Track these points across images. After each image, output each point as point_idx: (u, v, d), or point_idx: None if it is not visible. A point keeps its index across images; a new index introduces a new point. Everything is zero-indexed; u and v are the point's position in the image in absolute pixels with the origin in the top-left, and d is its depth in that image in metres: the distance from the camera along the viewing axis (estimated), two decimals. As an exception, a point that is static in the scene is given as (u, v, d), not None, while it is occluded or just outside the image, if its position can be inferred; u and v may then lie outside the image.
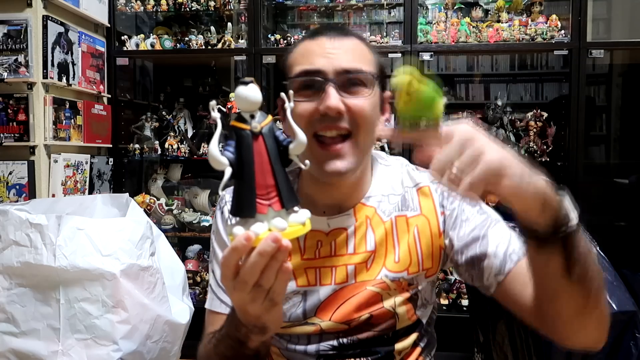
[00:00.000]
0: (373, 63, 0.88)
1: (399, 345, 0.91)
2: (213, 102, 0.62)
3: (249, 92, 0.60)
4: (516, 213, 0.64)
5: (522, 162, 0.61)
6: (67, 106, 2.30)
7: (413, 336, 0.92)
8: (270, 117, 0.62)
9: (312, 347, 0.90)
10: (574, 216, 0.64)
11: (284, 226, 0.59)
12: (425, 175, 0.97)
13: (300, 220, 0.62)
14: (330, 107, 0.80)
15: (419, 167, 1.01)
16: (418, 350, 0.93)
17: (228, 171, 0.59)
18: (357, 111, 0.83)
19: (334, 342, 0.90)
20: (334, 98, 0.81)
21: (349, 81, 0.83)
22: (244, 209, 0.60)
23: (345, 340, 0.90)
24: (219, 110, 0.62)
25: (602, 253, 1.50)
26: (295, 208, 0.62)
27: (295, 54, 0.89)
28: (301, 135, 0.62)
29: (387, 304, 0.89)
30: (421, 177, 0.96)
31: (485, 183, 0.59)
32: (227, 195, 0.98)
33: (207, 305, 0.97)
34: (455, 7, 2.68)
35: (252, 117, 0.61)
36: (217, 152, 0.59)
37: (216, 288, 0.96)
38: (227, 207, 0.95)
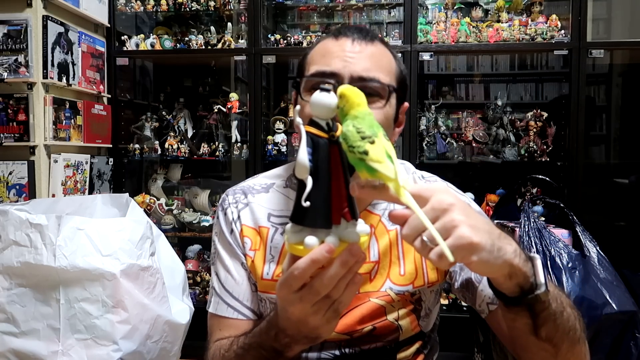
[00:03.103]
0: (394, 72, 0.85)
1: (401, 355, 0.90)
2: (298, 120, 0.59)
3: (329, 100, 0.58)
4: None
5: (492, 231, 0.60)
6: (67, 106, 2.30)
7: (416, 345, 0.91)
8: (340, 126, 0.60)
9: (313, 355, 0.88)
10: (541, 282, 0.65)
11: (358, 238, 0.59)
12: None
13: (365, 230, 0.61)
14: None
15: (425, 175, 0.99)
16: (421, 357, 0.92)
17: (310, 180, 0.57)
18: None
19: (336, 352, 0.88)
20: None
21: (363, 89, 0.81)
22: (320, 220, 0.58)
23: (347, 350, 0.88)
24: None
25: (602, 253, 1.51)
26: None
27: (315, 52, 0.87)
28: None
29: (391, 316, 0.87)
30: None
31: (455, 257, 0.56)
32: (229, 197, 0.96)
33: (211, 309, 0.93)
34: (455, 7, 2.68)
35: (328, 124, 0.59)
36: (307, 161, 0.57)
37: (221, 291, 0.93)
38: (231, 209, 0.94)
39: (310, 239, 0.57)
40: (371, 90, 0.81)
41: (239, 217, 0.93)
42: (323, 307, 0.61)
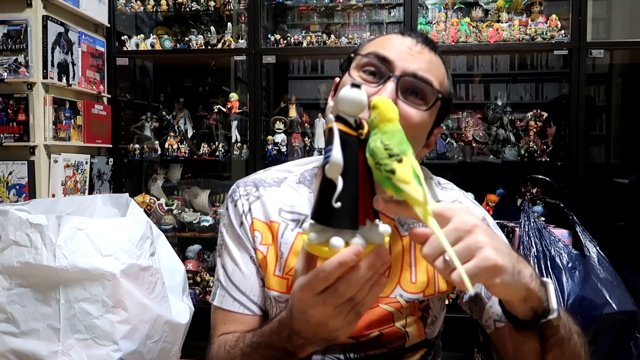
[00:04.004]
0: (443, 88, 0.84)
1: None
2: (331, 116, 0.57)
3: (360, 96, 0.56)
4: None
5: (512, 254, 0.60)
6: (67, 106, 2.30)
7: (420, 352, 0.90)
8: (366, 123, 0.58)
9: (317, 357, 0.87)
10: (554, 308, 0.65)
11: (383, 239, 0.57)
12: (449, 194, 0.93)
13: (387, 230, 0.58)
14: None
15: (441, 182, 0.97)
16: None
17: (341, 180, 0.54)
18: (404, 119, 0.75)
19: (340, 355, 0.87)
20: (389, 94, 0.76)
21: (411, 87, 0.79)
22: (346, 220, 0.56)
23: (351, 354, 0.87)
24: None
25: (602, 253, 1.51)
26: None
27: (377, 39, 0.86)
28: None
29: (399, 323, 0.86)
30: (445, 196, 0.92)
31: (476, 278, 0.56)
32: (240, 188, 0.93)
33: (216, 302, 0.90)
34: (455, 7, 2.68)
35: (356, 122, 0.57)
36: (341, 160, 0.54)
37: (227, 284, 0.90)
38: (242, 201, 0.91)
39: (337, 240, 0.55)
40: (419, 91, 0.80)
41: (249, 209, 0.90)
42: (345, 310, 0.59)
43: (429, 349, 0.92)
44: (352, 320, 0.61)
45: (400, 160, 0.56)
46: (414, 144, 0.80)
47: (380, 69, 0.80)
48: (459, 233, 0.56)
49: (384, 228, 0.58)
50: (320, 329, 0.62)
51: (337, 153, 0.53)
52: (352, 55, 0.84)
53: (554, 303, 0.65)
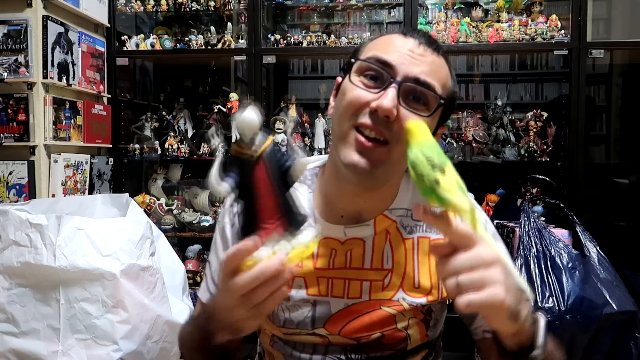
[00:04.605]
0: (446, 90, 0.82)
1: None
2: (212, 130, 0.62)
3: (248, 116, 0.59)
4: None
5: (517, 295, 0.61)
6: (67, 106, 2.30)
7: (422, 353, 0.90)
8: (270, 139, 0.62)
9: (317, 357, 0.87)
10: (540, 345, 0.66)
11: (286, 251, 0.60)
12: None
13: (304, 240, 0.62)
14: (382, 108, 0.74)
15: None
16: None
17: (231, 198, 0.60)
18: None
19: (342, 356, 0.87)
20: (390, 100, 0.75)
21: (413, 92, 0.78)
22: (249, 234, 0.61)
23: (352, 355, 0.87)
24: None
25: (602, 253, 1.51)
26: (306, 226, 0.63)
27: (377, 41, 0.84)
28: (302, 156, 0.62)
29: (401, 325, 0.86)
30: None
31: (479, 308, 0.58)
32: None
33: (199, 294, 0.97)
34: (455, 7, 2.68)
35: (252, 140, 0.61)
36: (215, 181, 0.60)
37: (209, 281, 0.95)
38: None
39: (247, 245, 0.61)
40: (421, 96, 0.78)
41: None
42: (245, 305, 0.62)
43: (430, 350, 0.92)
44: (252, 316, 0.63)
45: (443, 171, 0.57)
46: None
47: (382, 74, 0.78)
48: (479, 262, 0.58)
49: (303, 238, 0.62)
50: (226, 315, 0.65)
51: (212, 175, 0.60)
52: (353, 60, 0.83)
53: (540, 340, 0.66)
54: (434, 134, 0.85)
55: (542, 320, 0.68)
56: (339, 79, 0.86)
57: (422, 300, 0.85)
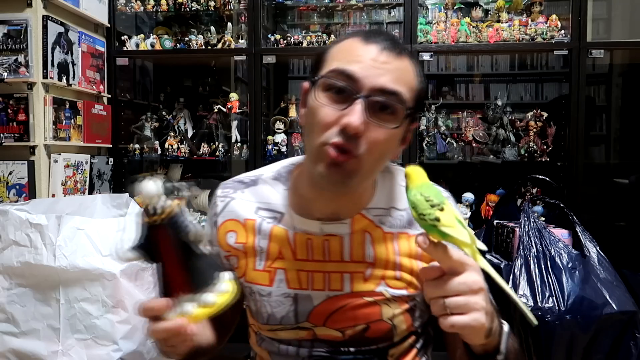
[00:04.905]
0: (414, 90, 0.81)
1: (393, 350, 0.90)
2: (185, 185, 0.70)
3: (146, 187, 0.65)
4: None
5: (492, 315, 0.68)
6: (67, 106, 2.30)
7: (409, 340, 0.91)
8: (174, 204, 0.66)
9: (304, 351, 0.89)
10: (502, 351, 0.72)
11: (189, 312, 0.67)
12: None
13: (210, 301, 0.68)
14: (350, 126, 0.75)
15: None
16: (414, 352, 0.92)
17: (134, 259, 0.68)
18: (375, 143, 0.77)
19: (329, 348, 0.88)
20: (357, 117, 0.75)
21: (380, 103, 0.77)
22: (162, 295, 0.69)
23: (341, 349, 0.88)
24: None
25: (602, 253, 1.51)
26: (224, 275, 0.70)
27: (339, 49, 0.82)
28: (198, 227, 0.68)
29: (386, 316, 0.87)
30: None
31: (460, 329, 0.65)
32: (219, 190, 0.96)
33: None
34: (455, 7, 2.68)
35: (154, 208, 0.65)
36: (120, 251, 0.68)
37: None
38: (218, 202, 0.95)
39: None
40: (388, 105, 0.78)
41: (223, 210, 0.94)
42: (161, 344, 0.74)
43: (417, 337, 0.92)
44: (172, 352, 0.75)
45: (442, 209, 0.64)
46: (387, 155, 0.83)
47: (346, 89, 0.77)
48: (466, 288, 0.64)
49: (209, 298, 0.68)
50: (160, 342, 0.74)
51: (121, 248, 0.68)
52: (316, 77, 0.81)
53: (503, 346, 0.72)
54: (406, 133, 0.85)
55: (505, 327, 0.73)
56: (306, 85, 0.85)
57: (404, 292, 0.87)
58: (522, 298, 1.35)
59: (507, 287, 0.64)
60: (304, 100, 0.86)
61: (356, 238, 0.87)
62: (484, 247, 0.64)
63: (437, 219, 0.63)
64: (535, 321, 0.64)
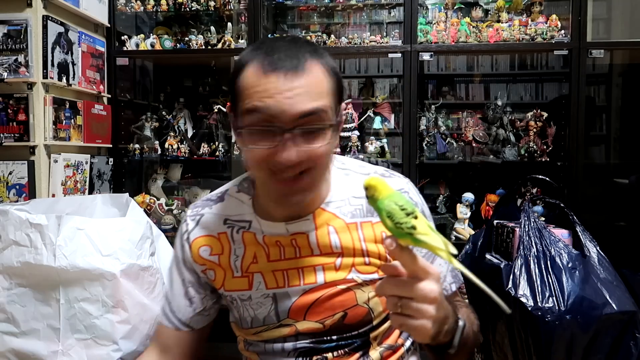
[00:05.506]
0: (332, 88, 0.81)
1: (374, 333, 0.93)
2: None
3: None
4: None
5: (443, 318, 0.70)
6: (67, 106, 2.30)
7: (389, 321, 0.94)
8: None
9: (288, 345, 0.93)
10: (455, 345, 0.76)
11: None
12: (394, 180, 0.97)
13: None
14: (286, 163, 0.77)
15: (387, 172, 0.99)
16: (396, 332, 0.96)
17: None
18: (315, 159, 0.80)
19: (312, 339, 0.92)
20: (290, 153, 0.77)
21: (307, 129, 0.78)
22: None
23: (324, 338, 0.92)
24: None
25: (602, 253, 1.51)
26: None
27: (247, 85, 0.79)
28: None
29: (361, 299, 0.91)
30: (390, 183, 0.95)
31: (407, 330, 0.68)
32: (189, 210, 1.01)
33: (159, 311, 1.09)
34: (455, 7, 2.68)
35: None
36: None
37: (166, 297, 1.05)
38: (187, 222, 0.99)
39: None
40: (314, 129, 0.78)
41: (194, 228, 0.98)
42: None
43: None
44: None
45: (416, 217, 0.65)
46: (331, 158, 0.85)
47: (269, 129, 0.78)
48: (422, 296, 0.66)
49: None
50: None
51: None
52: (238, 130, 0.82)
53: (456, 341, 0.76)
54: (339, 125, 0.86)
55: (460, 323, 0.77)
56: (229, 105, 0.87)
57: (375, 275, 0.91)
58: (522, 298, 1.35)
59: (478, 281, 0.66)
60: (233, 117, 0.86)
61: (321, 232, 0.91)
62: (455, 251, 0.66)
63: (414, 227, 0.64)
64: (508, 309, 0.65)
